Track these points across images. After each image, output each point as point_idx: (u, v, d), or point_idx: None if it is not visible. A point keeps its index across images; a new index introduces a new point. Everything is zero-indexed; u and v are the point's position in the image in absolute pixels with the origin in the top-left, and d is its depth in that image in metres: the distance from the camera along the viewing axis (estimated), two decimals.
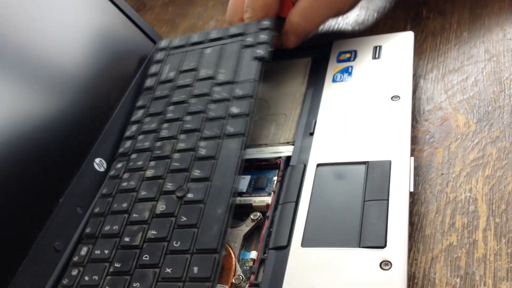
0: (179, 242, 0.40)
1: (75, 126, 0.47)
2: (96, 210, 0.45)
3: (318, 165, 0.44)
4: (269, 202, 0.44)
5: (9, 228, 0.39)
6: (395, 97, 0.47)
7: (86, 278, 0.41)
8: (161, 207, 0.43)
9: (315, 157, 0.45)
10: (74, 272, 0.41)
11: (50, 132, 0.45)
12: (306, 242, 0.39)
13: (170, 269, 0.39)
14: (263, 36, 0.53)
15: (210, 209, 0.41)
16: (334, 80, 0.51)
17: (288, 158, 0.47)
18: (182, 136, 0.48)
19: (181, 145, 0.47)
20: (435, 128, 0.47)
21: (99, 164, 0.47)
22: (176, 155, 0.46)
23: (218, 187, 0.43)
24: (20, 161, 0.42)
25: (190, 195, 0.43)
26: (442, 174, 0.43)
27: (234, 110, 0.48)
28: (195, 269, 0.38)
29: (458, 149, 0.44)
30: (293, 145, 0.48)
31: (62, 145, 0.46)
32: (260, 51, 0.51)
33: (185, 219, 0.41)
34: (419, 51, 0.54)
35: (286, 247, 0.39)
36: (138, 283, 0.39)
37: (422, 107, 0.49)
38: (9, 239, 0.39)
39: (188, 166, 0.45)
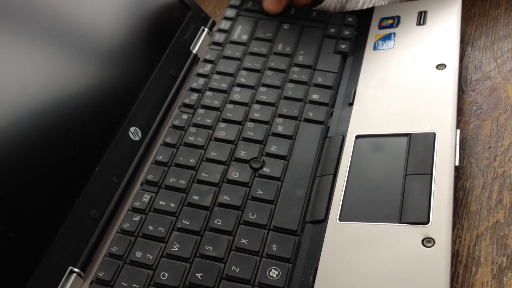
0: (255, 215, 0.39)
1: (109, 95, 0.47)
2: (159, 158, 0.45)
3: (357, 136, 0.42)
4: None
5: (46, 196, 0.39)
6: (440, 66, 0.45)
7: (150, 227, 0.40)
8: (233, 173, 0.42)
9: (354, 128, 0.43)
10: (136, 218, 0.41)
11: (85, 100, 0.45)
12: (344, 216, 0.38)
13: (246, 240, 0.38)
14: (347, 33, 0.52)
15: (288, 189, 0.41)
16: (375, 48, 0.49)
17: (326, 129, 0.45)
18: (256, 106, 0.47)
19: (256, 115, 0.46)
20: (483, 99, 0.44)
21: (134, 133, 0.47)
22: (250, 124, 0.46)
23: (297, 169, 0.42)
24: (56, 130, 0.42)
25: (266, 169, 0.42)
26: (489, 147, 0.41)
27: (314, 96, 0.47)
28: (274, 247, 0.37)
29: (508, 121, 0.42)
30: (331, 115, 0.46)
31: (97, 114, 0.45)
32: (344, 46, 0.50)
33: (261, 192, 0.41)
34: (467, 16, 0.51)
35: (323, 221, 0.38)
36: (210, 247, 0.38)
37: (469, 76, 0.47)
38: (46, 207, 0.39)
39: (263, 139, 0.44)
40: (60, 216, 0.40)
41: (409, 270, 0.33)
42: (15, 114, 0.39)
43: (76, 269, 0.38)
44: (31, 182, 0.39)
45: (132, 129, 0.47)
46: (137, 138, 0.47)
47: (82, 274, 0.39)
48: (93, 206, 0.42)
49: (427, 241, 0.34)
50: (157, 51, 0.53)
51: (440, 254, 0.33)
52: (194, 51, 0.55)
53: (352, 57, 0.50)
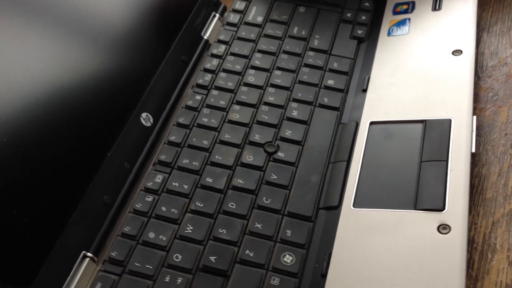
0: (269, 200, 0.39)
1: (121, 81, 0.47)
2: (172, 138, 0.44)
3: (372, 123, 0.42)
4: None
5: (59, 181, 0.39)
6: (456, 52, 0.44)
7: (163, 208, 0.40)
8: (247, 157, 0.42)
9: (368, 115, 0.43)
10: (149, 199, 0.41)
11: (96, 87, 0.45)
12: (358, 203, 0.37)
13: (260, 224, 0.38)
14: (364, 18, 0.51)
15: (303, 175, 0.40)
16: (389, 34, 0.49)
17: (341, 116, 0.45)
18: (271, 89, 0.47)
19: (270, 99, 0.46)
20: (499, 85, 0.44)
21: (146, 119, 0.47)
22: (264, 107, 0.45)
23: (312, 155, 0.42)
24: (68, 117, 0.42)
25: (281, 154, 0.42)
26: (506, 134, 0.40)
27: (330, 82, 0.46)
28: (288, 232, 0.37)
29: None
30: (345, 102, 0.45)
31: (109, 100, 0.45)
32: (360, 32, 0.50)
33: (275, 177, 0.40)
34: (482, 2, 0.51)
35: (337, 207, 0.38)
36: (224, 230, 0.38)
37: (485, 62, 0.46)
38: (59, 192, 0.39)
39: (278, 123, 0.44)
40: (72, 201, 0.40)
41: (424, 256, 0.33)
42: (28, 100, 0.39)
43: (89, 254, 0.39)
44: (44, 168, 0.39)
45: (144, 115, 0.47)
46: (148, 124, 0.47)
47: (95, 259, 0.39)
48: (105, 192, 0.42)
49: (443, 228, 0.34)
50: (168, 37, 0.53)
51: (456, 241, 0.33)
52: (205, 37, 0.55)
53: (366, 43, 0.50)
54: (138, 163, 0.45)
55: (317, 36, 0.50)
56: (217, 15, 0.57)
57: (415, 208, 0.35)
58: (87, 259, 0.38)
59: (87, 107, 0.43)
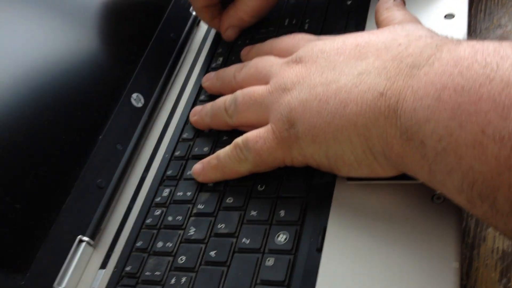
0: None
1: (109, 62, 0.46)
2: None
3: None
4: None
5: (51, 166, 0.39)
6: (449, 16, 0.43)
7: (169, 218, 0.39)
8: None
9: None
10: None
11: (84, 69, 0.44)
12: None
13: None
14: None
15: None
16: None
17: None
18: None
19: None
20: None
21: (136, 99, 0.46)
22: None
23: None
24: (57, 100, 0.41)
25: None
26: None
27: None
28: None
29: None
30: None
31: (98, 82, 0.44)
32: (350, 3, 0.48)
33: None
34: None
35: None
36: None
37: (479, 25, 0.45)
38: (51, 177, 0.39)
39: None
40: (66, 186, 0.40)
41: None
42: (15, 86, 0.39)
43: (85, 238, 0.39)
44: (35, 153, 0.38)
45: (134, 95, 0.46)
46: (139, 105, 0.46)
47: (92, 242, 0.39)
48: (99, 175, 0.42)
49: (437, 198, 0.33)
50: (156, 14, 0.52)
51: (450, 210, 0.33)
52: (194, 13, 0.54)
53: (355, 13, 0.48)
54: (131, 145, 0.44)
55: (307, 20, 0.48)
56: None
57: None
58: (84, 243, 0.38)
59: (76, 89, 0.43)
